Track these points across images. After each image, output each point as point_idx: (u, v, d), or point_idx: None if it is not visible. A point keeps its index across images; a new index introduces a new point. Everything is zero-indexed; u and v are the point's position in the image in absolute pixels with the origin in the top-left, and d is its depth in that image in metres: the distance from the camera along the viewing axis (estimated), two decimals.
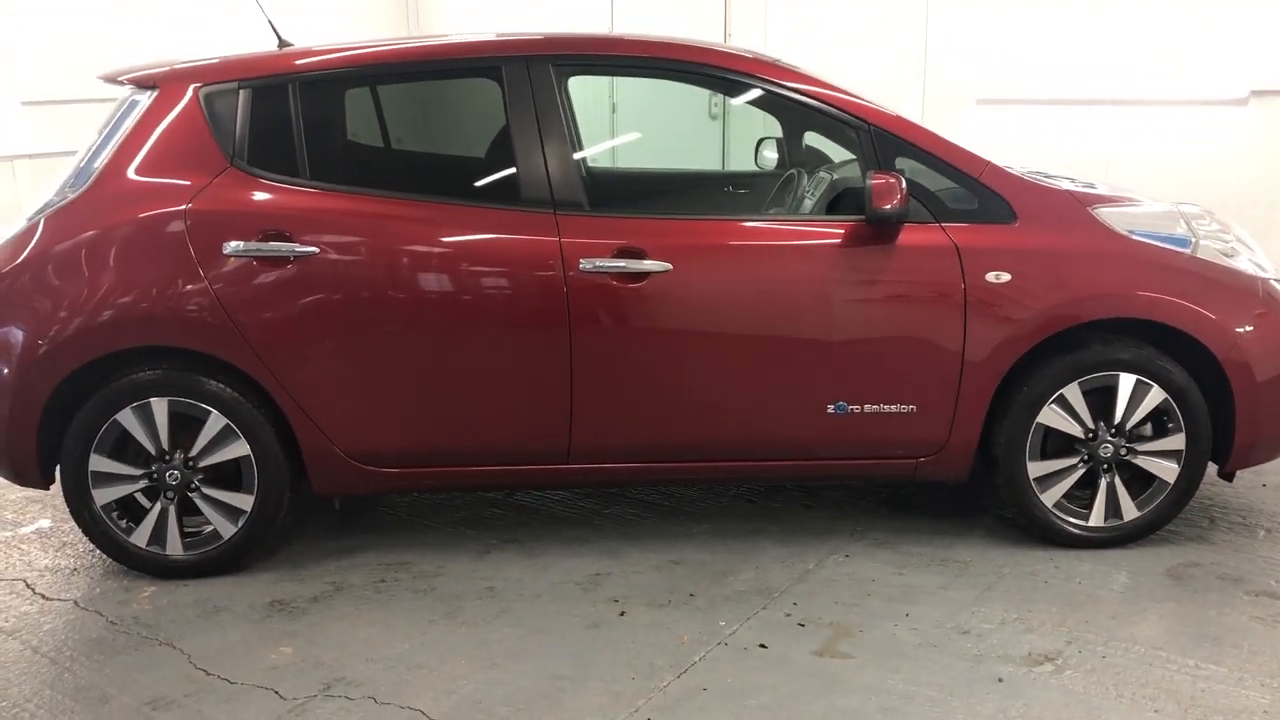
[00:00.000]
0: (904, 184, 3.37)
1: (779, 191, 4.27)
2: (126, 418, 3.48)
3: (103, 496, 3.53)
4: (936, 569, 3.62)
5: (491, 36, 3.79)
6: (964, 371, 3.52)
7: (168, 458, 3.53)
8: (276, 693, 2.98)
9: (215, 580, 3.61)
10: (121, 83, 3.70)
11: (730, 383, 3.56)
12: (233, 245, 3.41)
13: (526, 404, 3.56)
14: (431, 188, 3.67)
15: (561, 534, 3.94)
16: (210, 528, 3.60)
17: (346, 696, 2.96)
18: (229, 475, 3.57)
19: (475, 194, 3.71)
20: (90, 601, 3.51)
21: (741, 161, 7.21)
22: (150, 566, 3.62)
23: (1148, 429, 3.65)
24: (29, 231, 3.51)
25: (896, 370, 3.54)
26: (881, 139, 3.56)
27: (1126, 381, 3.55)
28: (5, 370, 3.44)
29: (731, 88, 3.87)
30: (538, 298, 3.46)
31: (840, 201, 3.69)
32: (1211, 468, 3.72)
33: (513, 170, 3.56)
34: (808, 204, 3.90)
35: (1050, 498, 3.66)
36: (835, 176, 3.88)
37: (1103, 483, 3.65)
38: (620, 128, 8.38)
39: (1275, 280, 3.69)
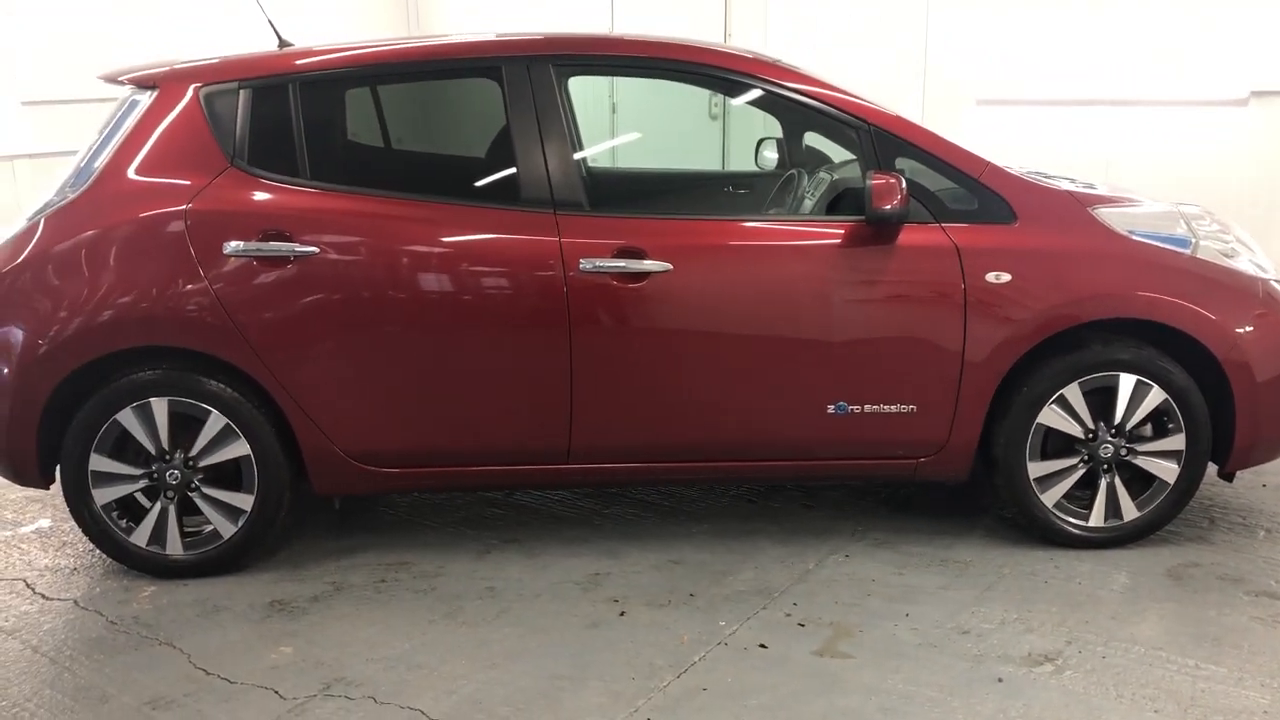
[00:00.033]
0: (904, 184, 3.37)
1: (779, 192, 4.27)
2: (126, 417, 3.48)
3: (103, 496, 3.53)
4: (936, 569, 3.62)
5: (492, 36, 3.79)
6: (964, 372, 3.53)
7: (168, 457, 3.53)
8: (276, 692, 2.98)
9: (215, 580, 3.62)
10: (122, 83, 3.70)
11: (730, 383, 3.56)
12: (233, 245, 3.41)
13: (526, 404, 3.56)
14: (432, 188, 3.67)
15: (561, 534, 3.94)
16: (210, 527, 3.60)
17: (346, 696, 2.96)
18: (229, 475, 3.57)
19: (475, 194, 3.71)
20: (90, 601, 3.51)
21: (741, 162, 7.21)
22: (150, 566, 3.62)
23: (1148, 429, 3.65)
24: (29, 231, 3.51)
25: (896, 370, 3.54)
26: (882, 139, 3.56)
27: (1126, 382, 3.55)
28: (5, 370, 3.44)
29: (732, 88, 3.87)
30: (538, 298, 3.46)
31: (840, 202, 3.69)
32: (1211, 468, 3.72)
33: (513, 170, 3.56)
34: (808, 204, 3.90)
35: (1050, 498, 3.66)
36: (835, 177, 3.88)
37: (1103, 483, 3.65)
38: (620, 128, 8.38)
39: (1275, 281, 3.69)
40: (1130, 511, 3.67)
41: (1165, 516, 3.70)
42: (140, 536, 3.57)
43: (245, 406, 3.49)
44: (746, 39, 8.08)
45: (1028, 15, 7.07)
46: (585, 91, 7.15)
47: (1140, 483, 3.67)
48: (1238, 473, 3.78)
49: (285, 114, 3.54)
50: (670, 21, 8.45)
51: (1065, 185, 3.85)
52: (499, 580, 3.60)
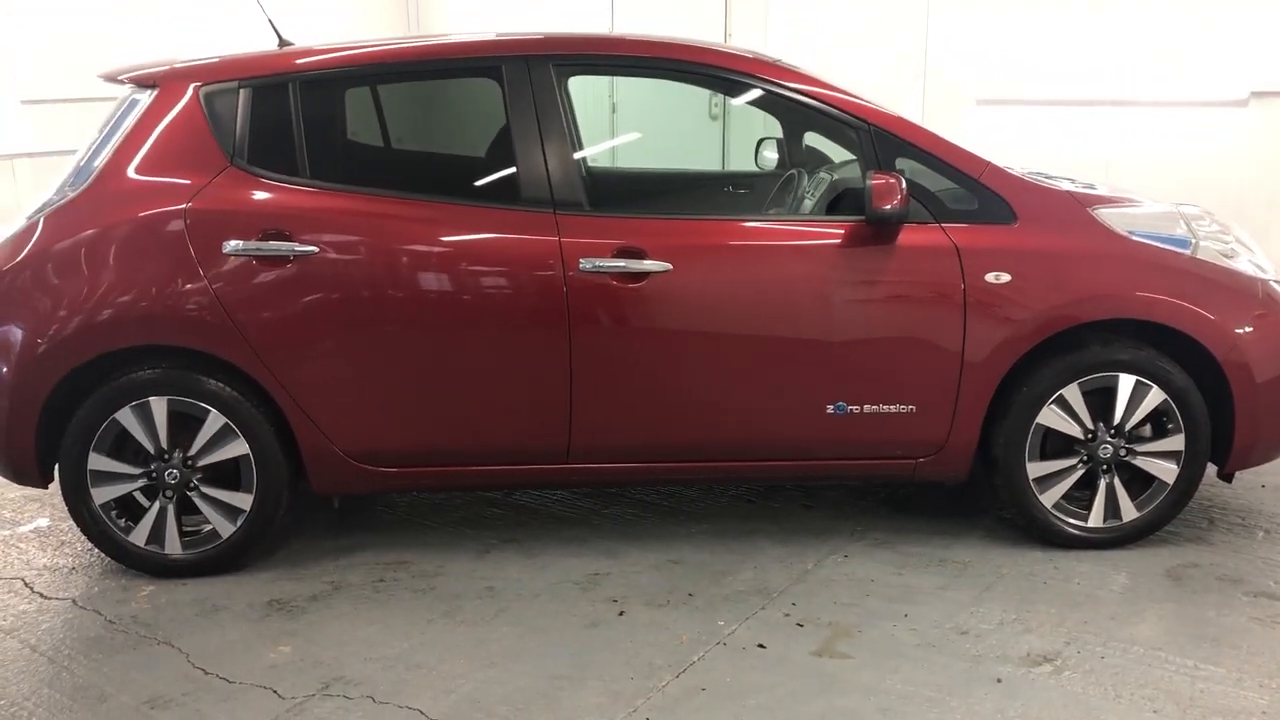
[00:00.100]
0: (904, 184, 3.37)
1: (779, 192, 4.27)
2: (125, 417, 3.47)
3: (101, 495, 3.53)
4: (935, 569, 3.62)
5: (492, 36, 3.79)
6: (963, 372, 3.52)
7: (167, 457, 3.53)
8: (275, 692, 2.98)
9: (214, 579, 3.61)
10: (122, 82, 3.70)
11: (730, 383, 3.56)
12: (232, 244, 3.41)
13: (526, 403, 3.56)
14: (431, 187, 3.67)
15: (560, 534, 3.94)
16: (209, 527, 3.60)
17: (345, 695, 2.96)
18: (228, 474, 3.57)
19: (475, 193, 3.71)
20: (89, 600, 3.51)
21: (741, 162, 7.21)
22: (149, 565, 3.62)
23: (1147, 430, 3.65)
24: (29, 230, 3.51)
25: (896, 371, 3.54)
26: (882, 139, 3.56)
27: (1126, 382, 3.55)
28: (4, 369, 3.44)
29: (732, 88, 3.87)
30: (537, 297, 3.46)
31: (840, 202, 3.69)
32: (1211, 469, 3.72)
33: (513, 170, 3.56)
34: (808, 204, 3.90)
35: (1049, 498, 3.66)
36: (835, 177, 3.88)
37: (1102, 483, 3.65)
38: (620, 128, 8.39)
39: (1275, 281, 3.69)
40: (1129, 512, 3.67)
41: (1164, 517, 3.70)
42: (139, 536, 3.57)
43: (244, 406, 3.49)
44: (747, 39, 8.08)
45: (1028, 16, 7.07)
46: (585, 91, 7.15)
47: (1139, 483, 3.67)
48: (1237, 473, 3.78)
49: (285, 113, 3.54)
50: (670, 22, 8.46)
51: (1065, 186, 3.85)
52: (498, 580, 3.60)
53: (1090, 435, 3.61)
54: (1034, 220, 3.55)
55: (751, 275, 3.52)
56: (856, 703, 2.89)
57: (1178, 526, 3.85)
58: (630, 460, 3.65)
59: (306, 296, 3.44)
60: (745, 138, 7.75)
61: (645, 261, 3.45)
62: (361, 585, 3.58)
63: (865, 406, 3.57)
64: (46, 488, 3.69)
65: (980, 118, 7.32)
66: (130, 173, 3.49)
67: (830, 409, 3.57)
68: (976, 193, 3.57)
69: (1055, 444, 3.64)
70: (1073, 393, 3.56)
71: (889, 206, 3.36)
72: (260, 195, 3.48)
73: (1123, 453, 3.62)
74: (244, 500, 3.56)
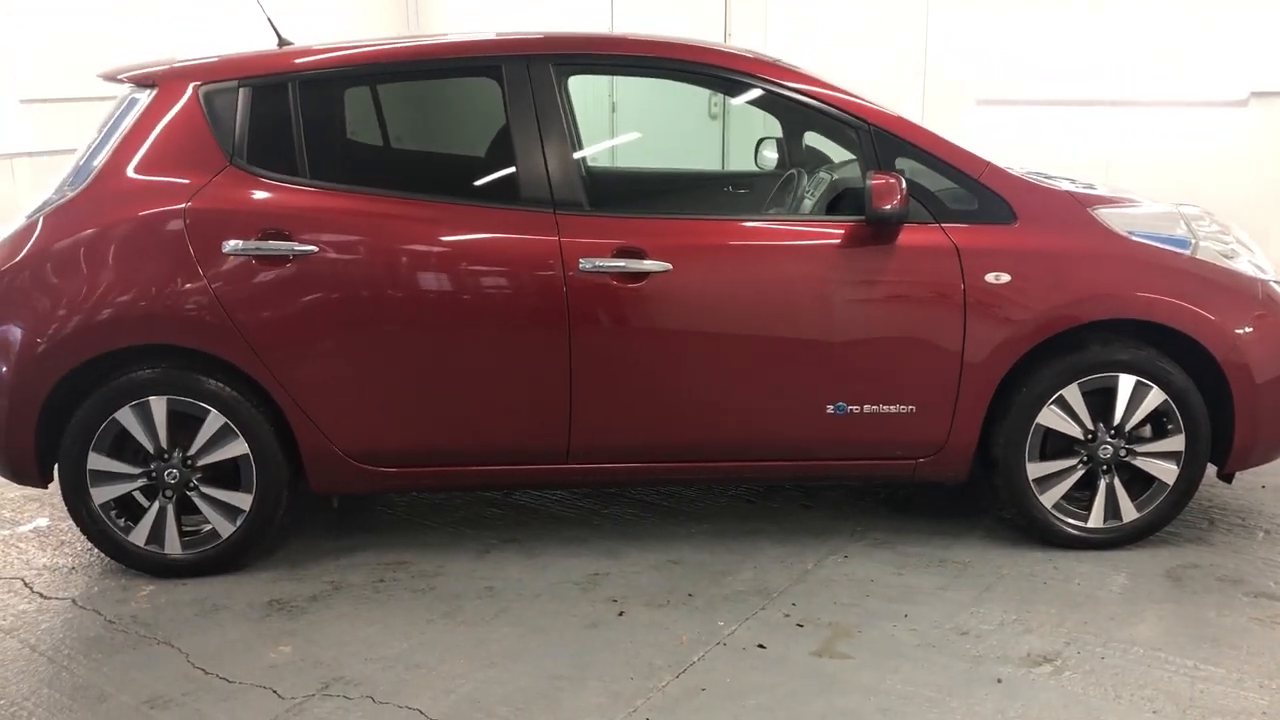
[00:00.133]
0: (904, 184, 3.37)
1: (779, 192, 4.27)
2: (125, 416, 3.47)
3: (101, 495, 3.53)
4: (935, 569, 3.62)
5: (491, 36, 3.79)
6: (963, 372, 3.52)
7: (166, 456, 3.52)
8: (275, 692, 2.98)
9: (214, 579, 3.61)
10: (121, 81, 3.70)
11: (730, 383, 3.56)
12: (232, 244, 3.41)
13: (526, 403, 3.56)
14: (431, 187, 3.66)
15: (560, 534, 3.94)
16: (209, 526, 3.60)
17: (345, 696, 2.96)
18: (227, 474, 3.57)
19: (475, 193, 3.71)
20: (88, 600, 3.51)
21: (741, 161, 7.21)
22: (148, 565, 3.62)
23: (1147, 430, 3.65)
24: (28, 229, 3.50)
25: (896, 371, 3.54)
26: (881, 139, 3.56)
27: (1126, 383, 3.55)
28: (4, 368, 3.44)
29: (732, 87, 3.87)
30: (537, 297, 3.45)
31: (840, 202, 3.69)
32: (1211, 469, 3.72)
33: (512, 170, 3.56)
34: (807, 204, 3.90)
35: (1049, 499, 3.66)
36: (835, 177, 3.88)
37: (1102, 484, 3.65)
38: (620, 127, 8.38)
39: (1275, 282, 3.69)
40: (1129, 512, 3.67)
41: (1164, 518, 3.70)
42: (138, 535, 3.57)
43: (244, 405, 3.49)
44: (746, 39, 8.08)
45: (1028, 15, 7.07)
46: (585, 91, 7.14)
47: (1139, 484, 3.67)
48: (1237, 474, 3.78)
49: (285, 113, 3.54)
50: (670, 21, 8.45)
51: (1065, 186, 3.85)
52: (498, 580, 3.60)
53: (1090, 436, 3.61)
54: (1034, 220, 3.55)
55: (751, 275, 3.52)
56: (856, 703, 2.89)
57: (1178, 527, 3.85)
58: (630, 460, 3.65)
59: (306, 296, 3.43)
60: (745, 137, 7.74)
61: (645, 261, 3.45)
62: (361, 585, 3.58)
63: (865, 407, 3.56)
64: (46, 487, 3.68)
65: (980, 117, 7.32)
66: (129, 172, 3.49)
67: (830, 409, 3.56)
68: (976, 193, 3.57)
69: (1055, 444, 3.64)
70: (1073, 393, 3.56)
71: (889, 206, 3.36)
72: (260, 195, 3.47)
73: (1123, 453, 3.61)
74: (244, 500, 3.56)
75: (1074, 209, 3.64)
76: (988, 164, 3.61)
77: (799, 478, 4.08)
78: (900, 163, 3.56)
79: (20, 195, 7.14)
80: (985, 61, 7.27)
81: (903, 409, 3.57)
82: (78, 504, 3.54)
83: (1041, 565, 3.62)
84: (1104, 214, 3.66)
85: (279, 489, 3.57)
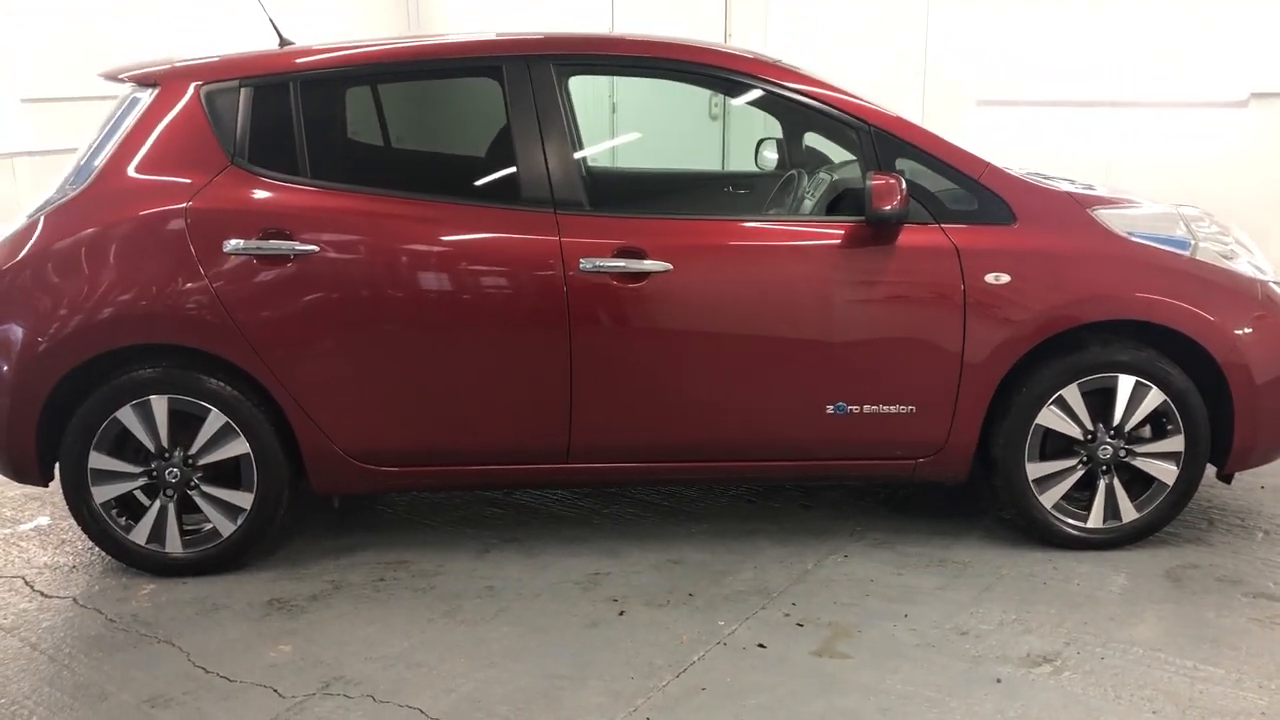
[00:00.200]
0: (904, 185, 3.37)
1: (779, 192, 4.27)
2: (126, 415, 3.47)
3: (102, 494, 3.53)
4: (935, 570, 3.62)
5: (492, 36, 3.79)
6: (963, 372, 3.53)
7: (167, 455, 3.53)
8: (275, 691, 2.98)
9: (214, 578, 3.62)
10: (122, 80, 3.70)
11: (730, 383, 3.56)
12: (233, 243, 3.41)
13: (526, 403, 3.56)
14: (432, 187, 3.67)
15: (561, 533, 3.94)
16: (209, 526, 3.60)
17: (345, 695, 2.96)
18: (228, 473, 3.57)
19: (476, 193, 3.71)
20: (89, 599, 3.51)
21: (741, 162, 7.21)
22: (149, 564, 3.62)
23: (1146, 431, 3.65)
24: (29, 229, 3.51)
25: (896, 371, 3.54)
26: (881, 140, 3.56)
27: (1125, 383, 3.55)
28: (5, 367, 3.44)
29: (732, 88, 3.88)
30: (538, 297, 3.46)
31: (840, 202, 3.69)
32: (1210, 470, 3.72)
33: (513, 169, 3.56)
34: (808, 204, 3.90)
35: (1049, 499, 3.66)
36: (835, 177, 3.88)
37: (1101, 484, 3.65)
38: (620, 128, 8.39)
39: (1274, 283, 3.69)
40: (1129, 513, 3.68)
41: (1164, 518, 3.71)
42: (139, 534, 3.57)
43: (245, 405, 3.49)
44: (747, 39, 8.09)
45: (1028, 16, 7.07)
46: (585, 91, 7.15)
47: (1139, 484, 3.68)
48: (1236, 474, 3.78)
49: (286, 112, 3.54)
50: (670, 21, 8.46)
51: (1065, 186, 3.86)
52: (498, 579, 3.60)
53: (1090, 436, 3.61)
54: (1033, 221, 3.56)
55: (751, 275, 3.52)
56: (856, 703, 2.89)
57: (1177, 527, 3.85)
58: (630, 460, 3.65)
59: (307, 296, 3.44)
60: (745, 138, 7.75)
61: (645, 261, 3.45)
62: (362, 584, 3.58)
63: (865, 407, 3.57)
64: (47, 486, 3.69)
65: (980, 118, 7.32)
66: (131, 171, 3.49)
67: (830, 409, 3.57)
68: (976, 193, 3.57)
69: (1055, 445, 3.64)
70: (1072, 393, 3.57)
71: (889, 207, 3.36)
72: (261, 194, 3.48)
73: (1122, 454, 3.62)
74: (244, 499, 3.57)
75: (1073, 210, 3.65)
76: (987, 165, 3.61)
77: (799, 478, 4.08)
78: (900, 163, 3.56)
79: (21, 194, 7.16)
80: (985, 62, 7.27)
81: (903, 409, 3.57)
82: (79, 503, 3.54)
83: (1041, 565, 3.63)
84: (1103, 215, 3.66)
85: (280, 488, 3.57)
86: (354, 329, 3.48)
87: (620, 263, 3.44)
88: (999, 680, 2.98)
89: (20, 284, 3.45)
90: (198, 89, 3.54)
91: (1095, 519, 3.68)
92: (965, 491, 4.11)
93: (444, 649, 3.18)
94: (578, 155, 3.78)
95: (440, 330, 3.49)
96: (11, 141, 7.57)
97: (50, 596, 3.55)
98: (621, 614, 3.37)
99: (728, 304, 3.51)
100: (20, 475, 3.61)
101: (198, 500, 3.57)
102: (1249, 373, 3.52)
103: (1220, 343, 3.51)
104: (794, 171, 4.25)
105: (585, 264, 3.44)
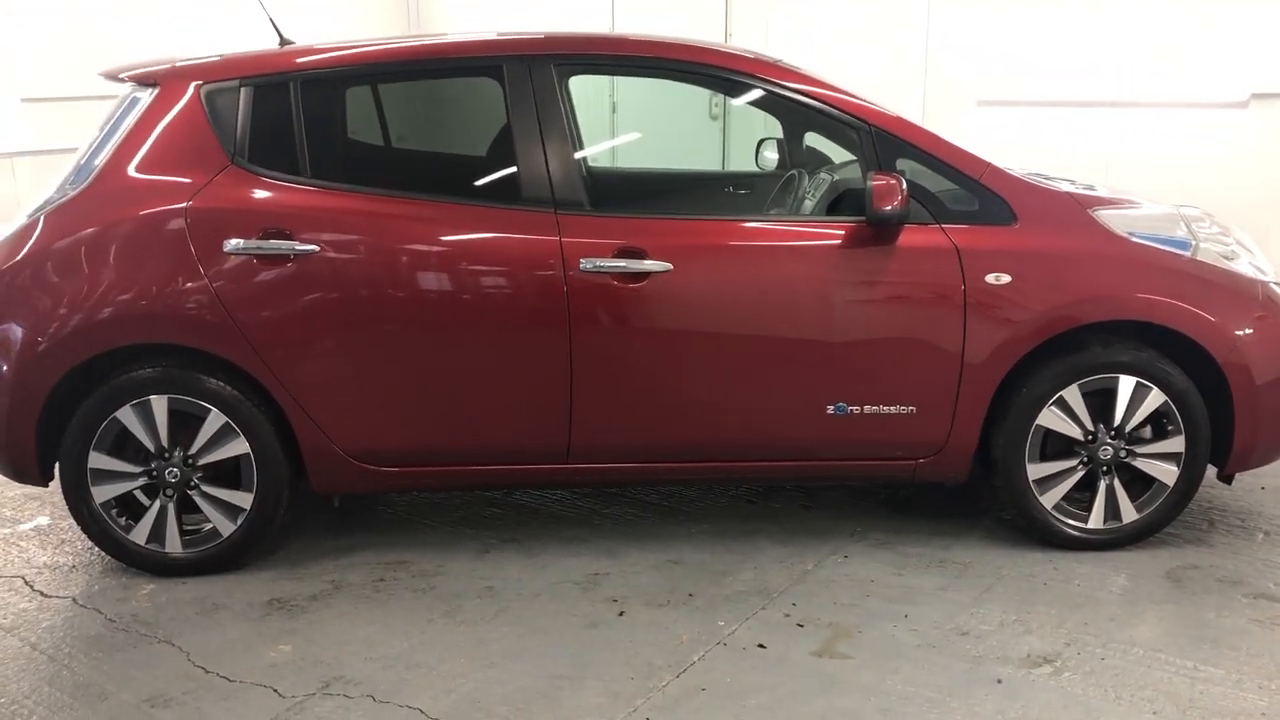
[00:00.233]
0: (905, 185, 3.37)
1: (779, 192, 4.27)
2: (126, 415, 3.47)
3: (102, 494, 3.53)
4: (936, 570, 3.62)
5: (493, 36, 3.79)
6: (963, 373, 3.53)
7: (167, 455, 3.52)
8: (275, 691, 2.98)
9: (214, 578, 3.61)
10: (123, 80, 3.70)
11: (730, 383, 3.56)
12: (233, 243, 3.41)
13: (526, 403, 3.56)
14: (432, 187, 3.66)
15: (560, 533, 3.94)
16: (209, 526, 3.60)
17: (345, 695, 2.96)
18: (228, 473, 3.57)
19: (476, 193, 3.71)
20: (89, 599, 3.51)
21: (742, 162, 7.21)
22: (149, 564, 3.62)
23: (1147, 431, 3.65)
24: (29, 228, 3.51)
25: (896, 371, 3.54)
26: (882, 140, 3.56)
27: (1126, 384, 3.55)
28: (4, 367, 3.44)
29: (732, 88, 3.87)
30: (538, 297, 3.46)
31: (841, 202, 3.69)
32: (1211, 470, 3.72)
33: (513, 169, 3.56)
34: (808, 205, 3.90)
35: (1049, 500, 3.66)
36: (836, 177, 3.88)
37: (1102, 485, 3.65)
38: (621, 128, 8.38)
39: (1275, 283, 3.69)
40: (1129, 513, 3.67)
41: (1164, 519, 3.70)
42: (139, 534, 3.57)
43: (245, 405, 3.49)
44: (747, 39, 8.08)
45: (1028, 16, 7.07)
46: (586, 91, 7.15)
47: (1139, 485, 3.68)
48: (1237, 475, 3.78)
49: (286, 112, 3.54)
50: (671, 21, 8.45)
51: (1065, 187, 3.85)
52: (498, 579, 3.60)
53: (1090, 437, 3.61)
54: (1034, 221, 3.56)
55: (752, 276, 3.52)
56: (857, 703, 2.89)
57: (1177, 528, 3.85)
58: (630, 460, 3.65)
59: (307, 295, 3.44)
60: (746, 138, 7.75)
61: (646, 261, 3.45)
62: (361, 585, 3.58)
63: (865, 407, 3.57)
64: (47, 486, 3.68)
65: (981, 118, 7.32)
66: (131, 171, 3.49)
67: (830, 409, 3.57)
68: (977, 194, 3.57)
69: (1055, 445, 3.64)
70: (1073, 394, 3.56)
71: (889, 207, 3.36)
72: (261, 194, 3.48)
73: (1123, 454, 3.62)
74: (244, 499, 3.56)
75: (1074, 210, 3.65)
76: (988, 165, 3.61)
77: (799, 478, 4.08)
78: (901, 163, 3.56)
79: (21, 194, 7.15)
80: (986, 62, 7.27)
81: (903, 410, 3.57)
82: (79, 503, 3.54)
83: (1041, 566, 3.62)
84: (1104, 215, 3.66)
85: (280, 488, 3.57)
86: (354, 329, 3.47)
87: (621, 263, 3.44)
88: (999, 681, 2.98)
89: (20, 283, 3.45)
90: (198, 88, 3.54)
91: (1096, 520, 3.68)
92: (966, 492, 4.10)
93: (444, 649, 3.18)
94: (578, 155, 3.78)
95: (440, 330, 3.48)
96: (11, 141, 7.57)
97: (50, 596, 3.55)
98: (621, 614, 3.37)
99: (728, 304, 3.51)
100: (20, 475, 3.61)
101: (197, 500, 3.57)
102: (1249, 373, 3.52)
103: (1221, 343, 3.51)
104: (794, 171, 4.24)
105: (585, 264, 3.44)
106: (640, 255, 3.45)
